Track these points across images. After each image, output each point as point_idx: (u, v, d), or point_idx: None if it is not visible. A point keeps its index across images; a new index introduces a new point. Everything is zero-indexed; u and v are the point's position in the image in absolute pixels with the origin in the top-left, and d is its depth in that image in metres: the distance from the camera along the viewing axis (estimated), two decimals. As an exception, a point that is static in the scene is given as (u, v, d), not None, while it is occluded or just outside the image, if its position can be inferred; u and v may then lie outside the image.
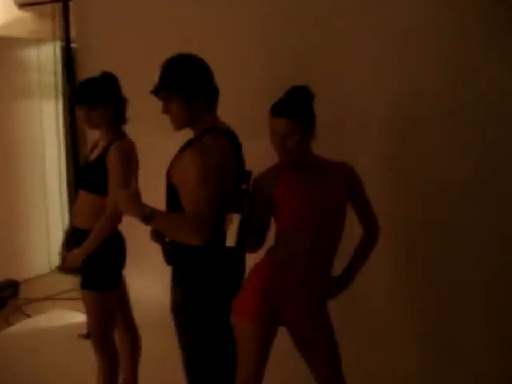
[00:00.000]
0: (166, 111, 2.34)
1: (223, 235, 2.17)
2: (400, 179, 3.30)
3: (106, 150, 2.83)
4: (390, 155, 3.28)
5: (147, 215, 2.23)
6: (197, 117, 2.35)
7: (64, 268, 2.98)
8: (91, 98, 2.83)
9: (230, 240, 2.14)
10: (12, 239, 5.31)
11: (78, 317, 4.35)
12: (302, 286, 2.31)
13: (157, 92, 2.34)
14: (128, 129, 2.97)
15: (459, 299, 3.19)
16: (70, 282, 4.86)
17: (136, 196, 2.28)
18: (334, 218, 2.35)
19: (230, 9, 3.43)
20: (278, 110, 2.21)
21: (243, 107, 3.37)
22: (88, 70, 3.59)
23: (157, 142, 3.34)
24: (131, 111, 2.96)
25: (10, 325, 4.49)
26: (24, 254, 5.46)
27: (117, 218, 2.83)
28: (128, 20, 3.77)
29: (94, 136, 3.51)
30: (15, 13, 5.11)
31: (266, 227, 2.40)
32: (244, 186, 2.18)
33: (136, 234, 2.90)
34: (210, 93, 2.38)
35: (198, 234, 2.19)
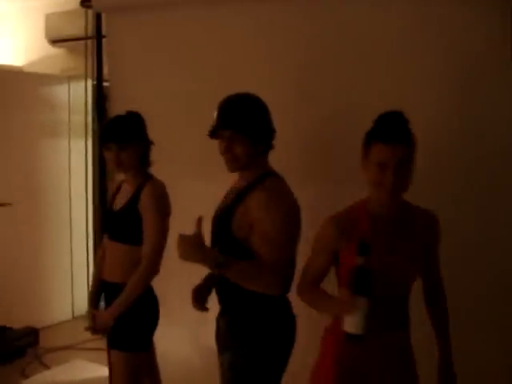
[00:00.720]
0: (227, 150, 2.15)
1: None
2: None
3: (136, 195, 2.63)
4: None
5: (223, 262, 1.99)
6: (256, 160, 2.19)
7: (94, 329, 2.72)
8: (124, 137, 2.64)
9: (353, 326, 1.82)
10: (34, 283, 5.09)
11: (100, 370, 4.03)
12: (384, 349, 2.03)
13: (221, 129, 2.16)
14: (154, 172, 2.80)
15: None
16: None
17: (202, 241, 2.02)
18: (409, 279, 2.06)
19: (263, 54, 3.23)
20: (392, 135, 1.89)
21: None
22: (120, 109, 3.43)
23: (185, 184, 3.09)
24: (159, 154, 2.78)
25: (27, 377, 4.22)
26: (46, 299, 5.22)
27: (154, 269, 2.62)
28: (162, 59, 3.58)
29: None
30: (47, 49, 5.06)
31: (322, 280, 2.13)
32: (363, 262, 1.82)
33: (162, 289, 2.72)
34: (271, 138, 2.23)
35: (280, 282, 2.08)
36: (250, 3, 3.22)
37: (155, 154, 2.79)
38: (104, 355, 2.79)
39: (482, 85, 2.66)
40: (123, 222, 2.66)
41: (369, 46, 2.90)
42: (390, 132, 1.91)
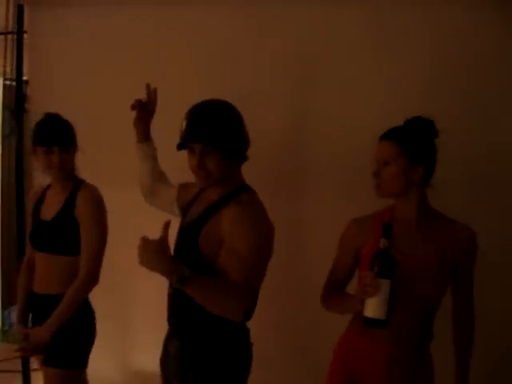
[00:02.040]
0: (200, 167, 1.95)
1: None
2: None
3: (70, 201, 2.47)
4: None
5: (186, 276, 1.77)
6: (230, 173, 2.01)
7: (26, 349, 2.44)
8: (67, 139, 2.51)
9: (376, 310, 1.74)
10: None
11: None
12: (392, 361, 1.97)
13: (192, 142, 1.96)
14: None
15: None
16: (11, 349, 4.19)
17: (167, 248, 1.81)
18: (428, 291, 1.98)
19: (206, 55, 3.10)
20: (386, 133, 2.02)
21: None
22: (41, 110, 3.17)
23: (112, 193, 2.85)
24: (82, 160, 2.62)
25: None
26: None
27: (94, 278, 2.44)
28: (89, 58, 3.35)
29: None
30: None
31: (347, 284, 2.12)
32: (386, 244, 1.77)
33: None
34: (246, 149, 2.06)
35: (242, 307, 1.88)
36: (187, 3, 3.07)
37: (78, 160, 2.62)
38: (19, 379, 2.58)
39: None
40: (58, 232, 2.47)
41: (361, 54, 2.88)
42: (389, 130, 1.99)
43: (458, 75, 2.76)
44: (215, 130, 1.94)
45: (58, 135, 2.48)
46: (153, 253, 1.76)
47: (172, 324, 2.13)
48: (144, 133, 2.40)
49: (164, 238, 1.80)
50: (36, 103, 3.42)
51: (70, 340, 2.44)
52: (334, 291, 2.12)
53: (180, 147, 2.02)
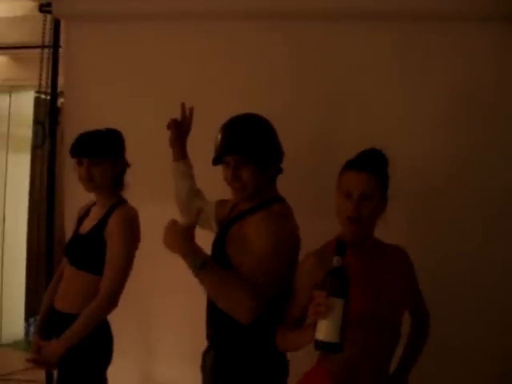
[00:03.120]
0: (235, 178, 1.98)
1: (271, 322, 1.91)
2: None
3: (105, 218, 2.41)
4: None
5: (202, 261, 1.80)
6: (264, 186, 2.03)
7: (38, 361, 2.42)
8: (97, 151, 2.42)
9: (328, 332, 1.60)
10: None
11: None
12: None
13: (227, 154, 1.99)
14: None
15: None
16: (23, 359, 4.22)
17: (191, 235, 1.85)
18: (398, 312, 1.96)
19: (233, 73, 3.11)
20: (361, 163, 1.88)
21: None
22: (75, 123, 3.22)
23: (155, 211, 2.85)
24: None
25: None
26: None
27: (113, 301, 2.36)
28: (124, 74, 3.37)
29: (72, 202, 3.11)
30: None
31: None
32: (340, 262, 1.65)
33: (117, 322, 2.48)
34: (280, 161, 2.07)
35: (254, 307, 1.83)
36: (221, 20, 3.08)
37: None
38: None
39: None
40: (87, 247, 2.42)
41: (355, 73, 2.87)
42: (360, 160, 1.89)
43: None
44: (248, 142, 1.97)
45: (87, 147, 2.43)
46: (177, 235, 1.82)
47: (209, 335, 2.12)
48: (180, 151, 2.41)
49: (192, 225, 1.86)
50: (68, 116, 3.45)
51: (84, 359, 2.37)
52: (290, 328, 1.93)
53: (215, 162, 2.05)
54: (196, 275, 1.83)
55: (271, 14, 3.00)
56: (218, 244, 2.06)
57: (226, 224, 2.08)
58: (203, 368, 2.16)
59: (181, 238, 1.82)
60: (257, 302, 1.84)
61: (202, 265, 1.81)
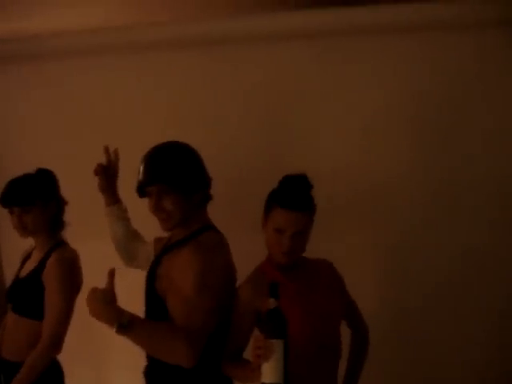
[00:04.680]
0: (157, 208, 1.95)
1: (212, 356, 1.89)
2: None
3: (43, 262, 2.36)
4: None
5: (125, 323, 1.75)
6: (193, 213, 1.99)
7: None
8: (26, 199, 2.37)
9: (272, 374, 1.63)
10: None
11: None
12: None
13: (148, 185, 1.96)
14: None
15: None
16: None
17: (112, 297, 1.78)
18: (336, 325, 1.98)
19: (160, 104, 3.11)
20: (293, 203, 1.85)
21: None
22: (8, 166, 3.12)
23: (99, 248, 2.82)
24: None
25: None
26: None
27: (56, 345, 2.30)
28: (45, 116, 3.34)
29: (9, 248, 3.08)
30: None
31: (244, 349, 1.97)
32: (275, 303, 1.68)
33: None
34: (206, 187, 2.04)
35: (192, 352, 1.79)
36: (144, 52, 3.08)
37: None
38: None
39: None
40: (26, 292, 2.37)
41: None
42: (292, 199, 1.87)
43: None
44: (167, 169, 1.94)
45: (15, 195, 2.39)
46: (99, 302, 1.77)
47: (145, 374, 2.08)
48: (111, 195, 2.38)
49: (108, 288, 1.80)
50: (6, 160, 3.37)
51: None
52: (235, 359, 1.96)
53: (140, 194, 2.02)
54: (124, 335, 1.79)
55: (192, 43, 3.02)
56: (149, 279, 2.00)
57: (156, 258, 2.04)
58: None
59: (102, 304, 1.77)
60: (193, 347, 1.80)
61: (127, 324, 1.77)
